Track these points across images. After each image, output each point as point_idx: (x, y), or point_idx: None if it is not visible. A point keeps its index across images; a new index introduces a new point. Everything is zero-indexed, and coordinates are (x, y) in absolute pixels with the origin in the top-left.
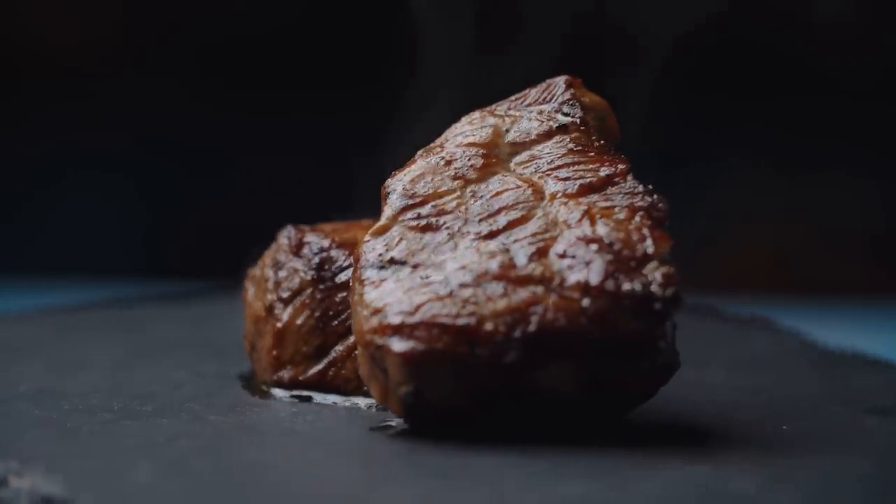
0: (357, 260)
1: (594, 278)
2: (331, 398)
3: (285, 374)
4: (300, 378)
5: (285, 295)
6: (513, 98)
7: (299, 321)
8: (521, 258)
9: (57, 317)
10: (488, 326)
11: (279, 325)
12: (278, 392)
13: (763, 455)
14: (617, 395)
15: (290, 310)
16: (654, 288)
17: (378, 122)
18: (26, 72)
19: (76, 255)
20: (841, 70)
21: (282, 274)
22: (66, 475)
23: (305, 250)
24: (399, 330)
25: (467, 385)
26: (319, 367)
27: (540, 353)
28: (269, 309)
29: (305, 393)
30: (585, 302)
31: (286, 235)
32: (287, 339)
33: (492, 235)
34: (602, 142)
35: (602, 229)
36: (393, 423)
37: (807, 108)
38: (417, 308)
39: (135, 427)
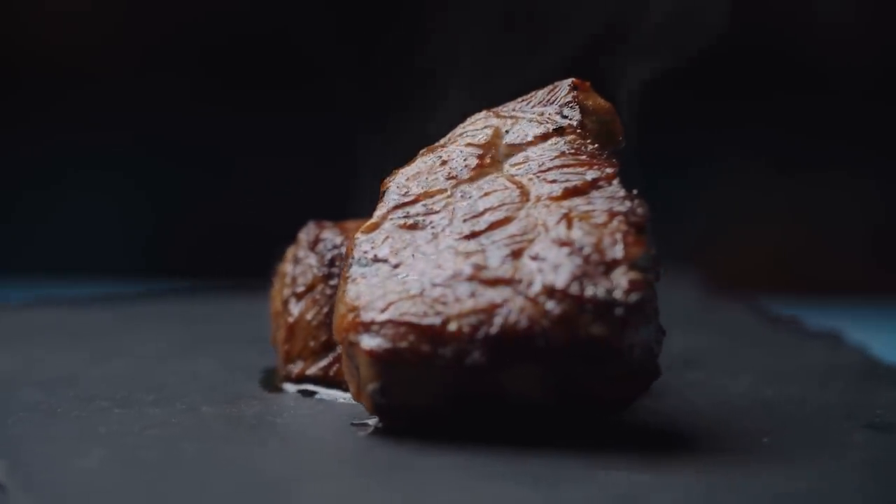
0: (347, 257)
1: (560, 282)
2: (335, 394)
3: (294, 368)
4: (306, 373)
5: (299, 290)
6: (520, 99)
7: (309, 316)
8: (494, 260)
9: (121, 304)
10: (452, 327)
11: (290, 319)
12: (289, 386)
13: (717, 467)
14: (587, 400)
15: (301, 305)
16: (616, 294)
17: (386, 121)
18: (26, 71)
19: (76, 254)
20: (841, 70)
21: (298, 270)
22: (17, 458)
23: (321, 247)
24: (369, 327)
25: (433, 385)
26: (324, 362)
27: (503, 355)
28: (285, 304)
29: (312, 388)
30: (550, 305)
31: (305, 231)
32: (297, 333)
33: (473, 236)
34: (596, 145)
35: (577, 233)
36: (369, 422)
37: (807, 108)
38: (388, 306)
39: (121, 415)
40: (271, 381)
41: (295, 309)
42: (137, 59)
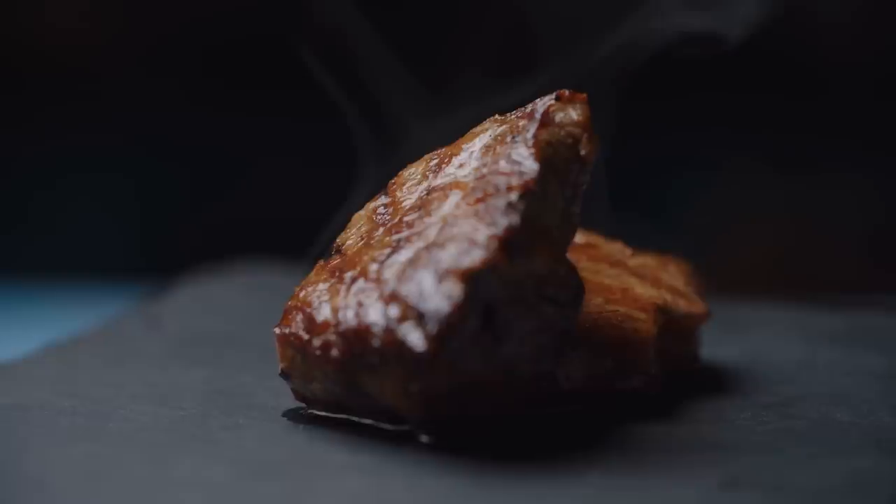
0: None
1: (400, 286)
2: None
3: None
4: None
5: None
6: (526, 105)
7: None
8: (383, 257)
9: None
10: (321, 317)
11: None
12: None
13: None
14: (443, 414)
15: None
16: (430, 304)
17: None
18: (29, 72)
19: (76, 254)
20: (841, 70)
21: None
22: None
23: None
24: (288, 312)
25: (318, 375)
26: None
27: (354, 353)
28: None
29: None
30: (390, 308)
31: None
32: None
33: (396, 232)
34: (530, 156)
35: (446, 240)
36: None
37: (806, 107)
38: (301, 292)
39: (145, 374)
40: None
41: None
42: (140, 60)
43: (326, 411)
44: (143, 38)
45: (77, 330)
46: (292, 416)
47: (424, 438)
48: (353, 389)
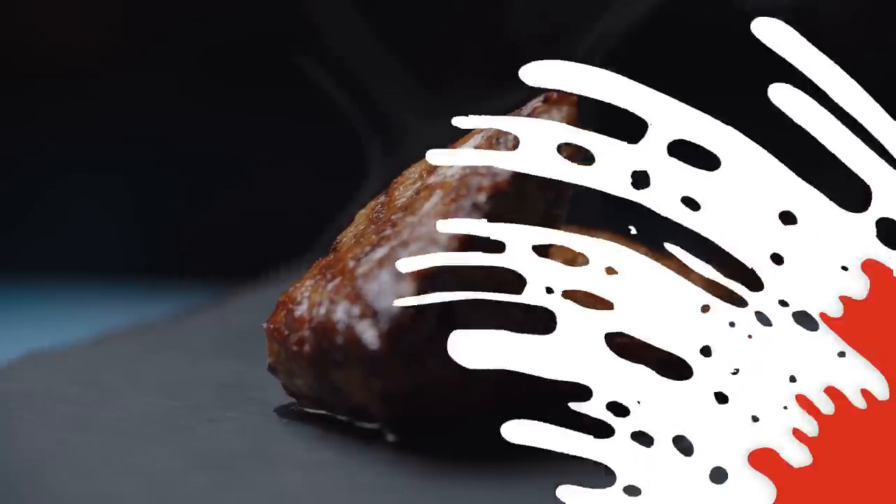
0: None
1: (365, 286)
2: None
3: None
4: None
5: None
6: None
7: None
8: (362, 254)
9: None
10: (299, 312)
11: None
12: None
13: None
14: (407, 413)
15: None
16: (382, 302)
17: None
18: (28, 72)
19: (76, 254)
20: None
21: None
22: None
23: None
24: (277, 307)
25: (297, 370)
26: None
27: (323, 350)
28: None
29: None
30: (354, 306)
31: None
32: None
33: (382, 230)
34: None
35: (413, 239)
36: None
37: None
38: (291, 288)
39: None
40: None
41: None
42: (139, 60)
43: (313, 407)
44: (143, 38)
45: (75, 331)
46: (283, 411)
47: (390, 437)
48: (328, 386)
